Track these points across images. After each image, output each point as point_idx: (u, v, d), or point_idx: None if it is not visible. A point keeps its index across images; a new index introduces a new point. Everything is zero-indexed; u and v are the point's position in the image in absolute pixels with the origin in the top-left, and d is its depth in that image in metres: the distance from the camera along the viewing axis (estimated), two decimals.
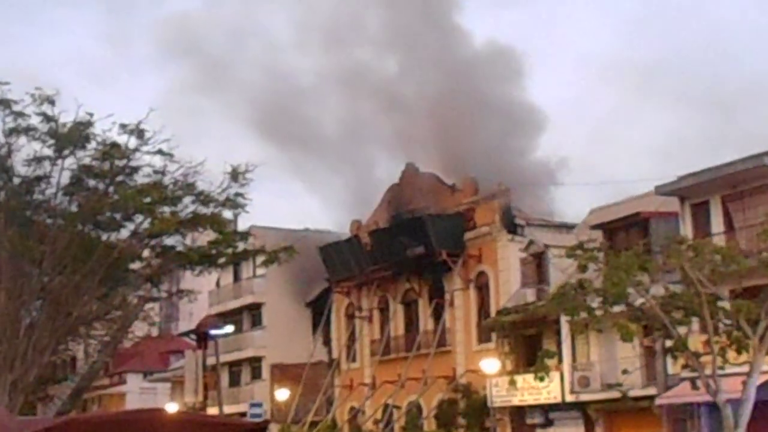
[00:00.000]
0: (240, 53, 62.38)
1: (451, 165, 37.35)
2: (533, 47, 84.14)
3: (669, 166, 63.20)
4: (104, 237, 26.42)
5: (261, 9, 69.63)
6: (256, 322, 45.66)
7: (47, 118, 25.20)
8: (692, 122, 66.25)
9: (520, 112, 39.95)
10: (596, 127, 70.99)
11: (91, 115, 25.35)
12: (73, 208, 26.05)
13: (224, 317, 45.45)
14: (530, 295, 31.45)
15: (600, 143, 69.08)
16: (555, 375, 27.81)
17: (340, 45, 48.50)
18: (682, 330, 19.94)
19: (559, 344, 28.59)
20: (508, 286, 33.50)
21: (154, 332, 57.32)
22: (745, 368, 18.52)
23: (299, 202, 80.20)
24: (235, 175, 26.12)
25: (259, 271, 41.59)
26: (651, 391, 26.32)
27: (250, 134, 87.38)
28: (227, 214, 27.34)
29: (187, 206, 26.36)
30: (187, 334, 51.79)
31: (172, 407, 28.27)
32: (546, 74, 76.84)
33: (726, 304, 19.32)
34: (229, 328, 40.47)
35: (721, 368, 18.64)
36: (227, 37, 66.25)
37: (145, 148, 25.61)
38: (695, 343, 20.37)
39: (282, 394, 40.14)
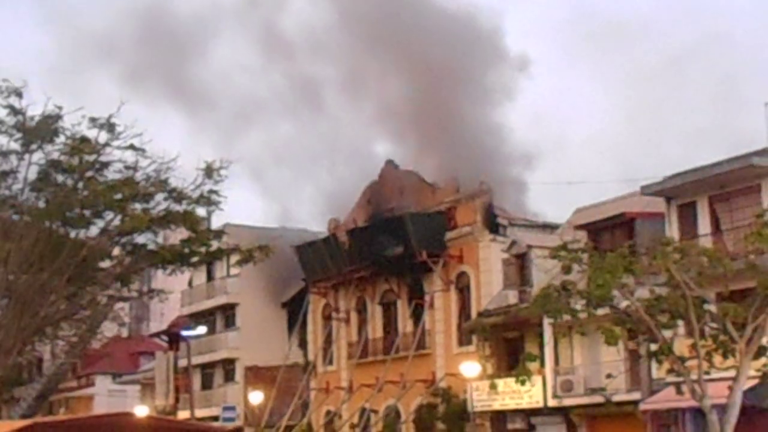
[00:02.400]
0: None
1: (428, 152, 36.37)
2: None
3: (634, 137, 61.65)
4: (73, 234, 25.90)
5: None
6: (230, 323, 44.87)
7: (14, 111, 24.62)
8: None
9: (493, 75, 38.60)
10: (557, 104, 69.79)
11: (60, 108, 24.78)
12: (41, 205, 25.52)
13: (197, 318, 44.66)
14: (512, 296, 31.02)
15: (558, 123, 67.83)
16: (537, 379, 27.42)
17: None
18: (667, 333, 19.73)
19: (541, 347, 28.19)
20: (490, 287, 32.98)
21: (124, 333, 56.58)
22: (732, 373, 18.34)
23: (275, 199, 78.66)
24: (209, 171, 25.58)
25: (234, 270, 40.87)
26: (635, 395, 26.04)
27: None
28: (201, 211, 26.82)
29: (159, 203, 25.94)
30: (158, 335, 51.02)
31: (141, 410, 27.52)
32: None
33: (712, 307, 19.20)
34: (202, 329, 39.64)
35: (707, 373, 18.52)
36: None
37: (115, 143, 25.13)
38: (681, 347, 20.05)
39: (256, 397, 39.39)
